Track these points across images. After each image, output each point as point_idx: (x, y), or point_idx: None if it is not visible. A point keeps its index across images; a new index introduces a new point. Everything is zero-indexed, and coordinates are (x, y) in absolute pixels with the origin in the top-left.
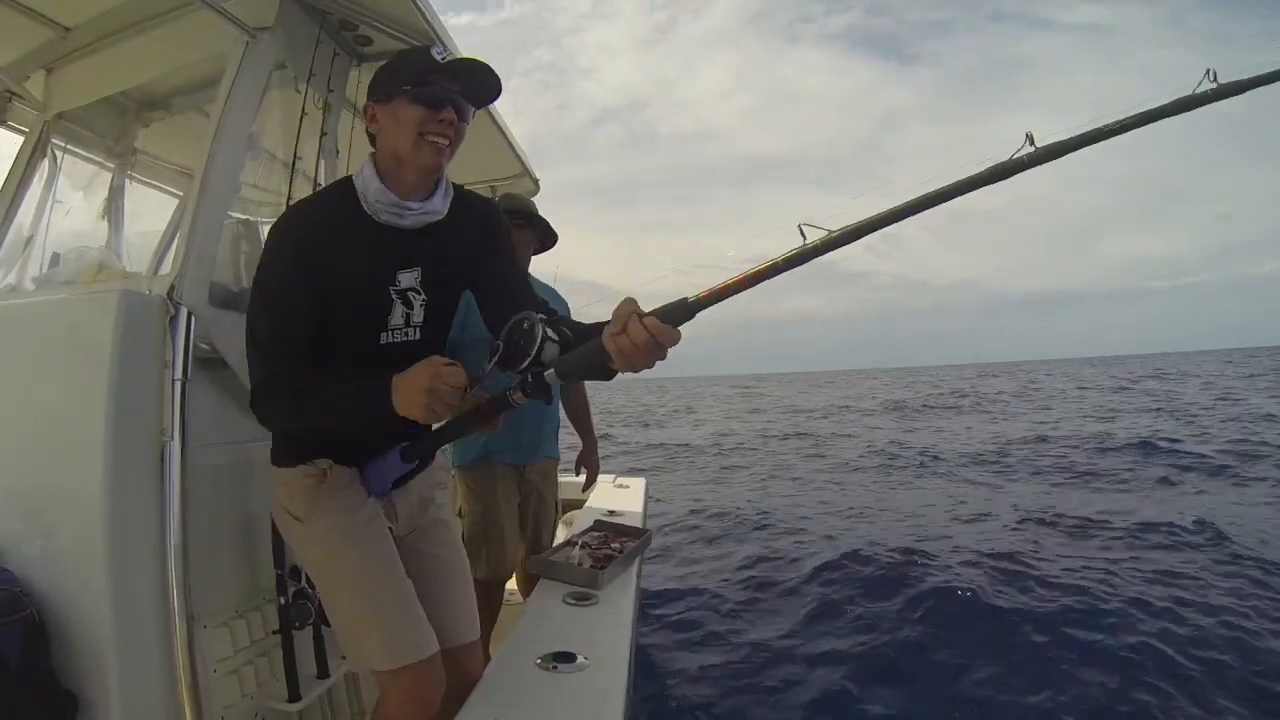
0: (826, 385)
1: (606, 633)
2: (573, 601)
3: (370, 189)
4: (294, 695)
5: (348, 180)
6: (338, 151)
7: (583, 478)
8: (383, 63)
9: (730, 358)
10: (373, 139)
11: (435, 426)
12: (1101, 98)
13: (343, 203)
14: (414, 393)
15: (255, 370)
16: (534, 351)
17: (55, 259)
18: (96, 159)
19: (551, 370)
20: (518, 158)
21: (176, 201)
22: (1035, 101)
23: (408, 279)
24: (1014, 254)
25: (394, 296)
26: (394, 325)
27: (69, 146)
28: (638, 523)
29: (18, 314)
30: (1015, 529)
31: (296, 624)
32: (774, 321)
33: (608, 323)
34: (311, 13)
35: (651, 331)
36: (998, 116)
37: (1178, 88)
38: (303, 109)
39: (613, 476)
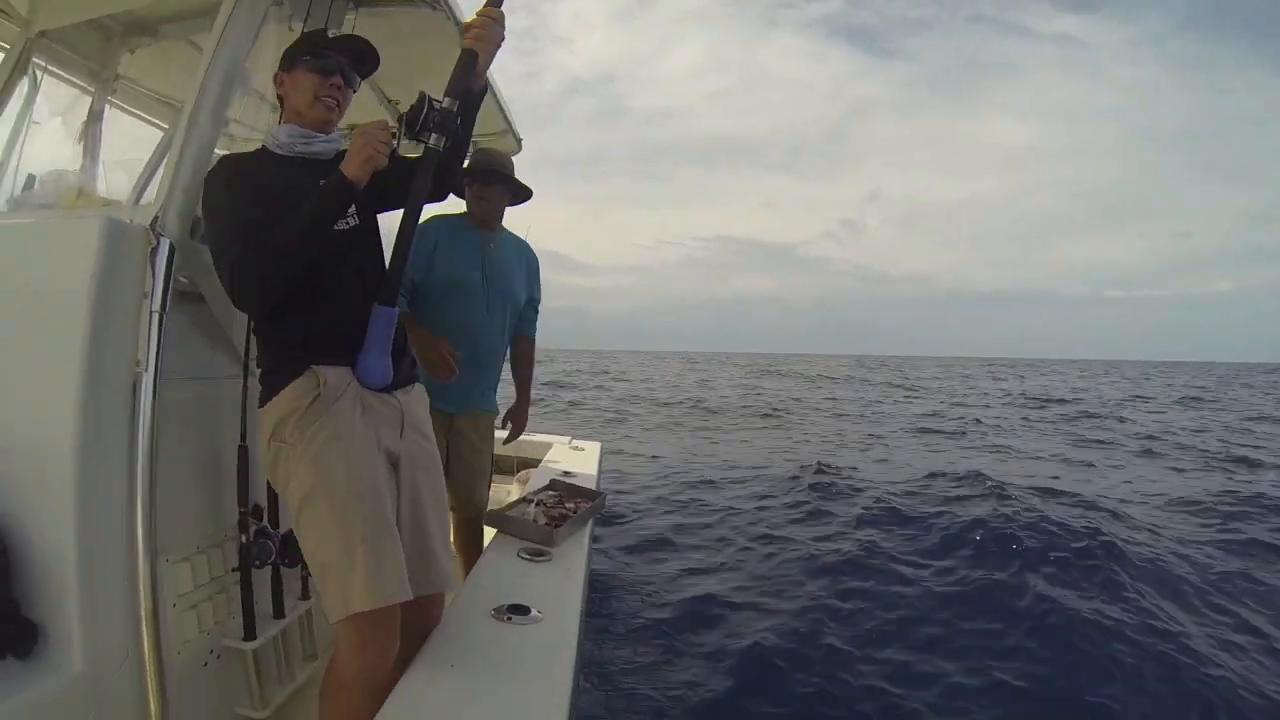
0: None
1: (559, 588)
2: (527, 557)
3: (281, 133)
4: (250, 634)
5: (261, 146)
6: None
7: (545, 437)
8: (381, 7)
9: (673, 334)
10: (281, 102)
11: (391, 259)
12: (1072, 108)
13: (261, 152)
14: (354, 150)
15: (225, 261)
16: (425, 100)
17: (31, 180)
18: (77, 82)
19: (447, 99)
20: (503, 114)
21: (157, 131)
22: (1007, 104)
23: None
24: (972, 251)
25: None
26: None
27: (50, 66)
28: (592, 484)
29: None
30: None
31: (257, 562)
32: (720, 300)
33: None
34: None
35: (484, 14)
36: (969, 116)
37: (1149, 105)
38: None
39: (568, 438)
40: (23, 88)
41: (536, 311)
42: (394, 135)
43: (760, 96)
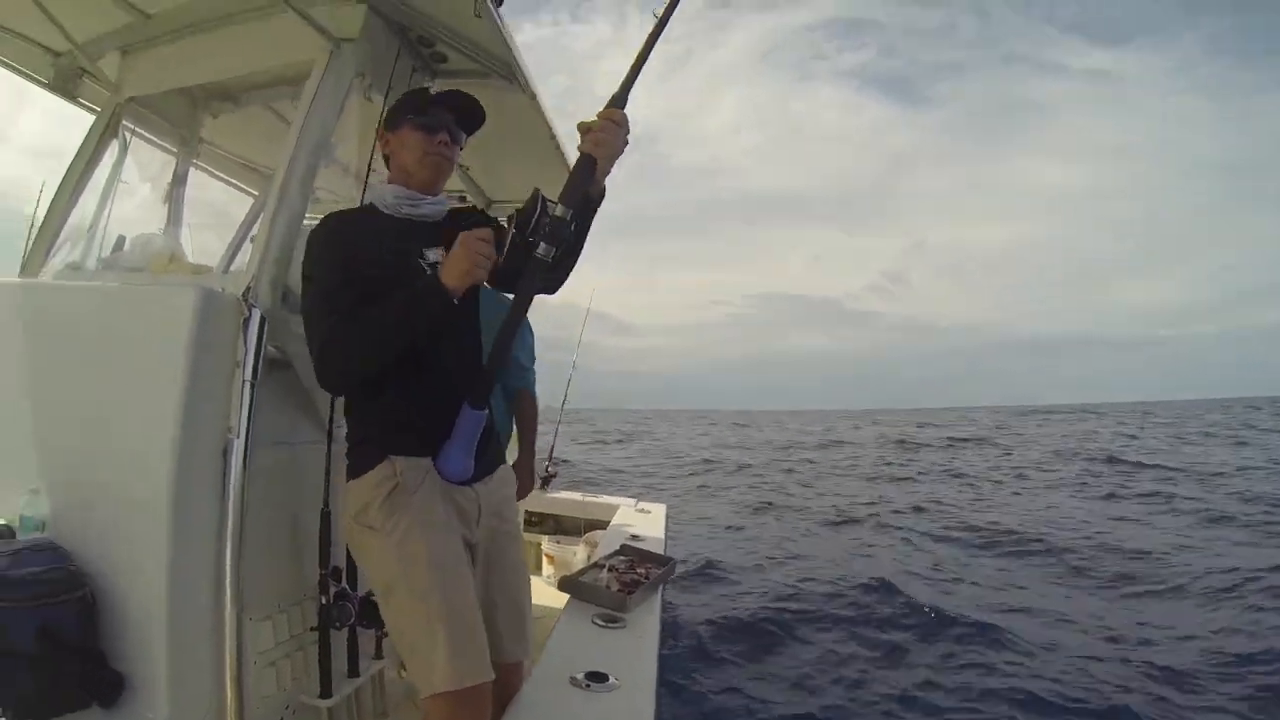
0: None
1: (634, 655)
2: (601, 623)
3: (388, 192)
4: (326, 691)
5: (368, 203)
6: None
7: (610, 499)
8: (456, 79)
9: (725, 394)
10: (387, 160)
11: (487, 360)
12: (1109, 145)
13: (366, 211)
14: (453, 260)
15: (315, 337)
16: (538, 204)
17: (120, 242)
18: (163, 145)
19: (560, 206)
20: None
21: (234, 192)
22: (1043, 143)
23: (434, 255)
24: (1020, 297)
25: (426, 268)
26: None
27: (138, 130)
28: (659, 548)
29: (94, 297)
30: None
31: (337, 624)
32: (778, 357)
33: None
34: (393, 27)
35: (605, 117)
36: (1006, 157)
37: (1187, 136)
38: (380, 122)
39: (634, 500)
40: (112, 151)
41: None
42: (499, 235)
43: (799, 150)
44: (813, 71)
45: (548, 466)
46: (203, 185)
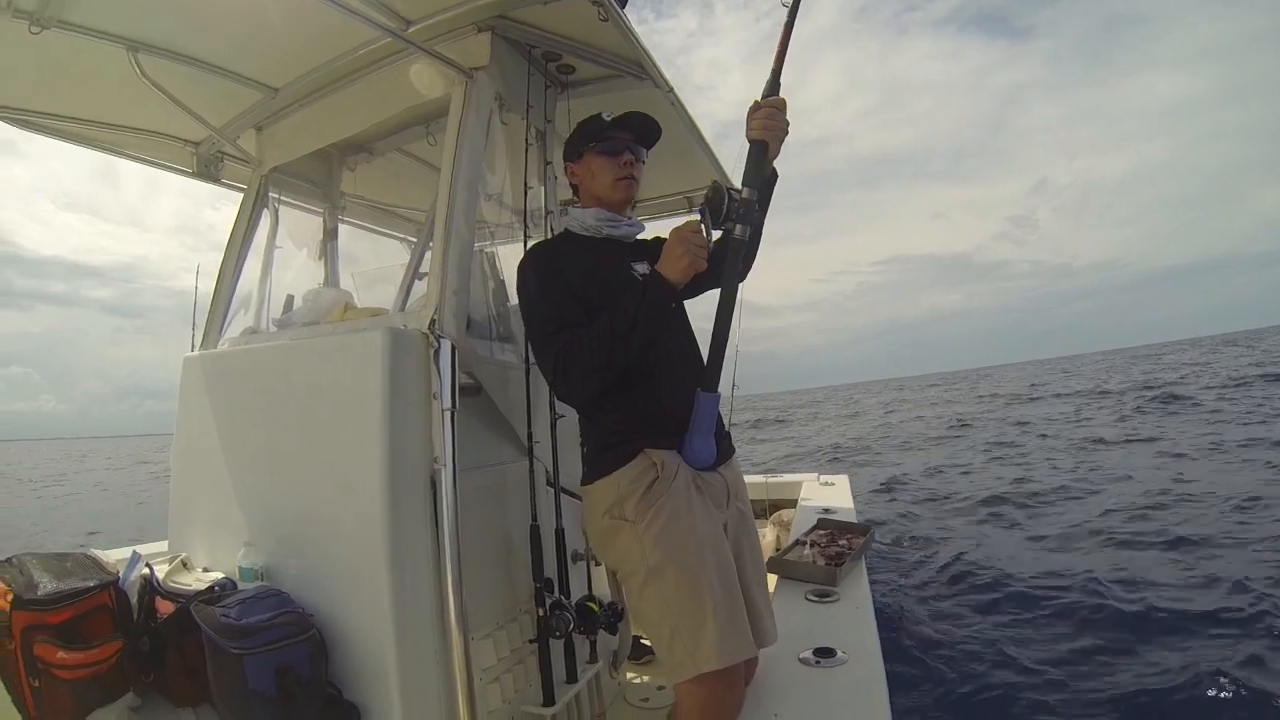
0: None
1: (854, 627)
2: (815, 599)
3: (588, 216)
4: (548, 699)
5: (564, 231)
6: (556, 178)
7: (792, 477)
8: (587, 86)
9: (869, 363)
10: (575, 190)
11: (710, 347)
12: (1223, 44)
13: (568, 236)
14: (671, 256)
15: (548, 357)
16: (724, 192)
17: (289, 302)
18: (310, 206)
19: (745, 189)
20: (716, 166)
21: (382, 236)
22: (1155, 55)
23: (642, 268)
24: (1155, 224)
25: (639, 278)
26: None
27: (283, 197)
28: (852, 518)
29: (287, 354)
30: None
31: (556, 633)
32: (907, 322)
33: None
34: (519, 48)
35: (767, 104)
36: (1119, 78)
37: None
38: (526, 140)
39: (816, 474)
40: (265, 219)
41: None
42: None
43: (907, 107)
44: (908, 24)
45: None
46: (352, 236)
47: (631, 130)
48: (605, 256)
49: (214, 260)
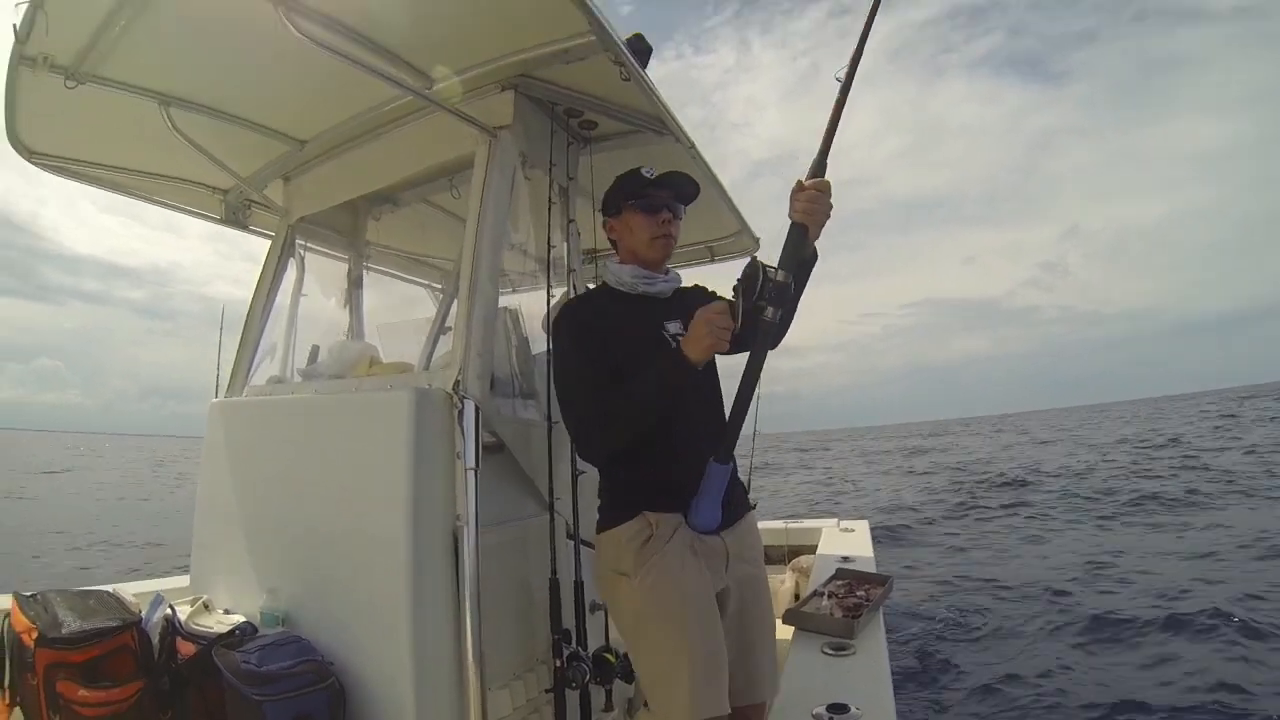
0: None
1: (868, 682)
2: (831, 652)
3: (625, 272)
4: None
5: (601, 284)
6: (579, 234)
7: (812, 523)
8: (608, 142)
9: (895, 406)
10: (614, 244)
11: (728, 419)
12: (1263, 88)
13: (604, 291)
14: (695, 336)
15: (574, 414)
16: (760, 272)
17: (315, 353)
18: (335, 254)
19: (781, 272)
20: (736, 216)
21: (405, 284)
22: (1193, 99)
23: (674, 328)
24: (1193, 272)
25: (670, 339)
26: None
27: (310, 245)
28: (871, 567)
29: (317, 407)
30: None
31: (572, 684)
32: (940, 366)
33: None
34: (541, 105)
35: (811, 186)
36: (1155, 121)
37: None
38: (549, 198)
39: (836, 520)
40: (290, 268)
41: None
42: (730, 307)
43: (942, 149)
44: (943, 66)
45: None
46: (376, 284)
47: (670, 188)
48: (639, 314)
49: (243, 270)
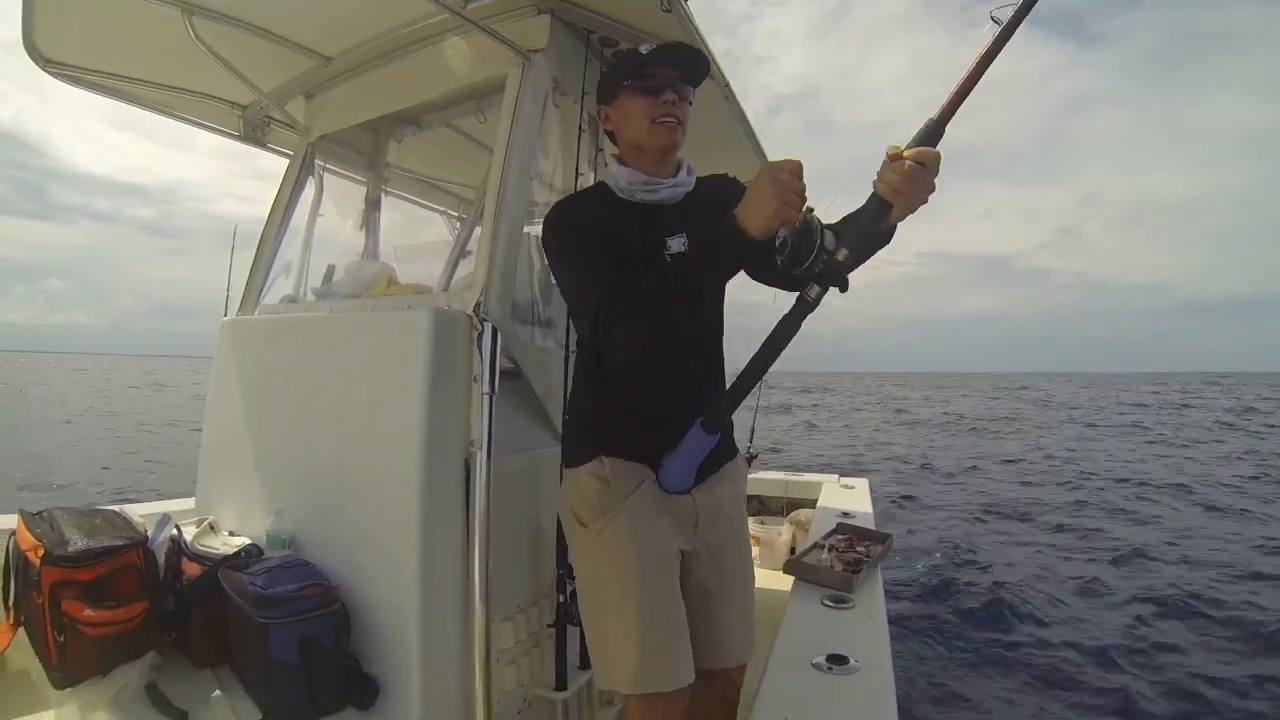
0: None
1: (867, 635)
2: (830, 604)
3: (621, 175)
4: (561, 684)
5: (600, 183)
6: (607, 164)
7: (812, 477)
8: None
9: (900, 354)
10: (612, 137)
11: (730, 387)
12: None
13: (601, 194)
14: (758, 199)
15: (587, 308)
16: (817, 240)
17: (330, 272)
18: (354, 175)
19: (843, 249)
20: (756, 149)
21: (423, 209)
22: (1238, 78)
23: (677, 244)
24: (1214, 252)
25: (669, 260)
26: None
27: (329, 165)
28: (870, 523)
29: (329, 327)
30: None
31: (574, 620)
32: (947, 320)
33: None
34: (577, 32)
35: (914, 158)
36: (1194, 100)
37: None
38: (580, 126)
39: (836, 476)
40: (309, 187)
41: None
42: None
43: (969, 101)
44: (976, 16)
45: (749, 449)
46: (394, 207)
47: (674, 65)
48: (640, 223)
49: (253, 188)
